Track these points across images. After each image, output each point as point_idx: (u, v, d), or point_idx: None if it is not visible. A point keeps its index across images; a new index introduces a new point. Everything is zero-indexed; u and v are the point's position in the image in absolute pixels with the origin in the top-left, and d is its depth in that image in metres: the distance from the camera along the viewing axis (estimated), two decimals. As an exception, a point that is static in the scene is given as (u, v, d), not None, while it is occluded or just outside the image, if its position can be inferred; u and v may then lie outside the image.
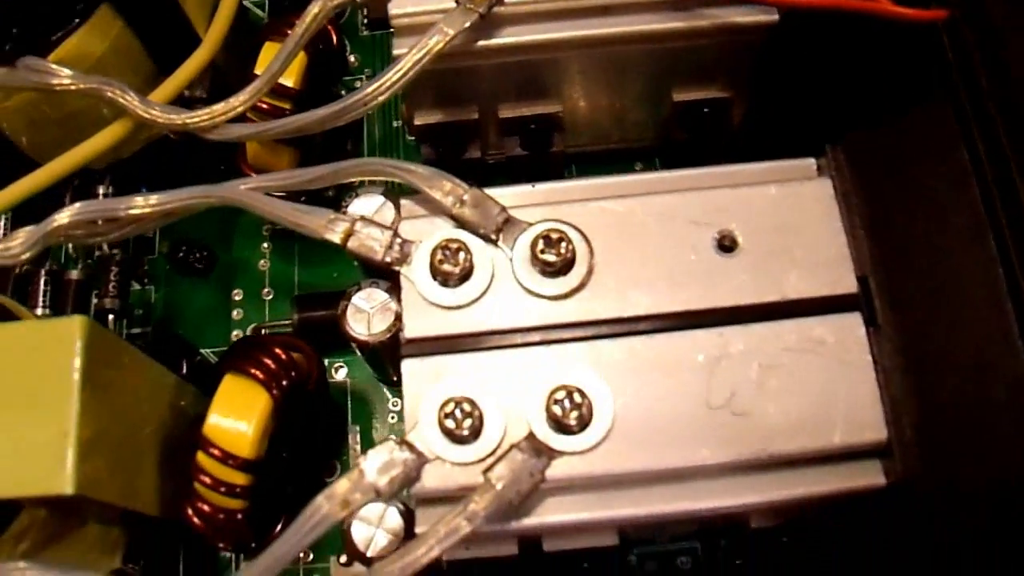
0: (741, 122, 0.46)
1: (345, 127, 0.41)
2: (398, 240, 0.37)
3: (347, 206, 0.40)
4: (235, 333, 0.50)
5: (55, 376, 0.35)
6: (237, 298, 0.51)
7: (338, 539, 0.42)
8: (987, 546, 0.36)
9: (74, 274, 0.47)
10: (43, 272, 0.47)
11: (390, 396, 0.49)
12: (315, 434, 0.46)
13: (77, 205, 0.39)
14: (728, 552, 0.46)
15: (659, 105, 0.45)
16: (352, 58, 0.55)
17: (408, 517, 0.41)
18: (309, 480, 0.45)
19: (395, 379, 0.48)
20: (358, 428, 0.48)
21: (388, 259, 0.37)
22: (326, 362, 0.48)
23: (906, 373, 0.35)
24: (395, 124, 0.53)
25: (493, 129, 0.45)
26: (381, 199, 0.40)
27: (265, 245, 0.52)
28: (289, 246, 0.51)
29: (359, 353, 0.44)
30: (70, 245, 0.51)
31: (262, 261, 0.51)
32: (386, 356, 0.42)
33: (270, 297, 0.50)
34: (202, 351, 0.48)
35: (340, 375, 0.49)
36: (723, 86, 0.44)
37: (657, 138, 0.47)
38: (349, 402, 0.48)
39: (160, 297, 0.51)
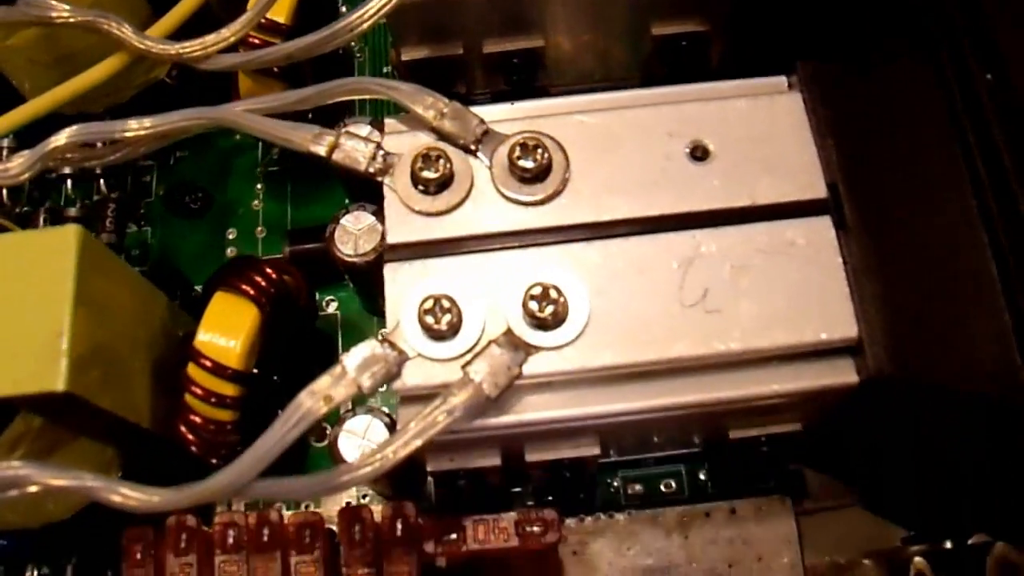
0: (719, 62, 0.48)
1: (334, 70, 0.43)
2: (381, 152, 0.39)
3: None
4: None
5: (51, 280, 0.37)
6: (231, 237, 0.52)
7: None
8: (958, 437, 0.37)
9: (72, 211, 0.49)
10: (42, 211, 0.49)
11: (379, 327, 0.49)
12: (305, 359, 0.47)
13: (74, 127, 0.41)
14: (712, 473, 0.47)
15: (639, 40, 0.46)
16: (344, 8, 0.57)
17: (393, 429, 0.42)
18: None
19: (383, 308, 0.49)
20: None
21: (371, 169, 0.38)
22: (317, 296, 0.49)
23: (875, 272, 0.36)
24: (385, 69, 0.55)
25: (478, 65, 0.47)
26: (368, 127, 0.41)
27: (259, 186, 0.53)
28: (282, 187, 0.53)
29: (348, 279, 0.45)
30: (69, 184, 0.52)
31: (255, 202, 0.53)
32: (374, 278, 0.44)
33: (263, 235, 0.52)
34: (196, 288, 0.50)
35: (331, 308, 0.50)
36: (701, 20, 0.45)
37: (638, 76, 0.49)
38: (340, 334, 0.50)
39: (156, 237, 0.53)
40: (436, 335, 0.36)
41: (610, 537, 0.45)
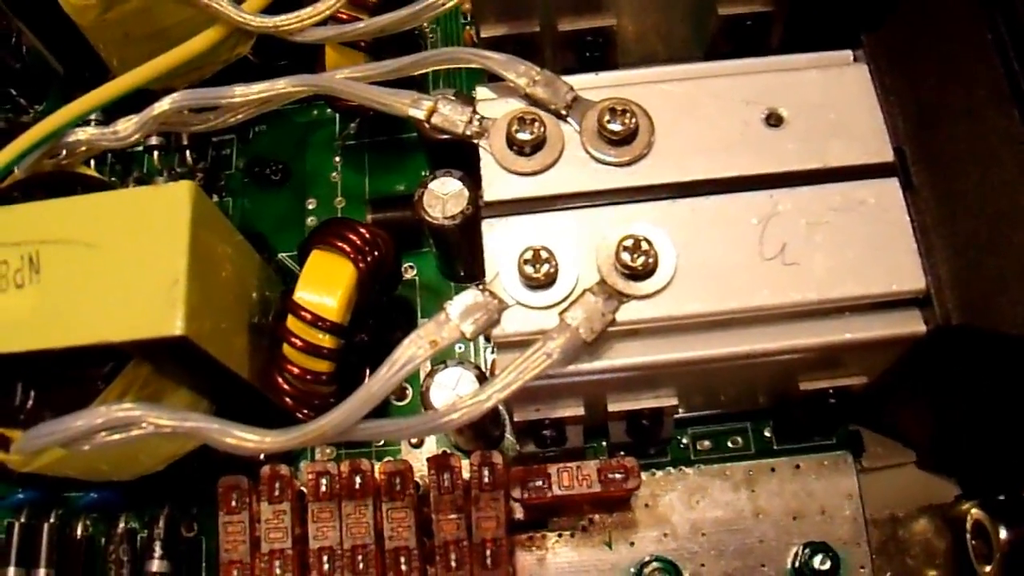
0: (779, 41, 0.50)
1: (410, 51, 0.45)
2: (477, 116, 0.41)
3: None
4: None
5: (167, 232, 0.39)
6: (311, 207, 0.55)
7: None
8: (1019, 385, 0.40)
9: (160, 181, 0.51)
10: (131, 180, 0.51)
11: (456, 292, 0.52)
12: (387, 321, 0.49)
13: (178, 93, 0.43)
14: (777, 430, 0.49)
15: (705, 19, 0.48)
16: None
17: (483, 381, 0.44)
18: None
19: (462, 272, 0.52)
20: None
21: (468, 132, 0.41)
22: (397, 262, 0.51)
23: (941, 229, 0.39)
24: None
25: (552, 43, 0.49)
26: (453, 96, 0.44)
27: (337, 159, 0.56)
28: (360, 159, 0.55)
29: (433, 242, 0.47)
30: (156, 156, 0.54)
31: (334, 173, 0.55)
32: (459, 239, 0.46)
33: (342, 205, 0.54)
34: (280, 254, 0.52)
35: (409, 274, 0.53)
36: (765, 0, 0.48)
37: (701, 55, 0.51)
38: (418, 298, 0.52)
39: (238, 207, 0.55)
40: (534, 284, 0.38)
41: (680, 490, 0.48)
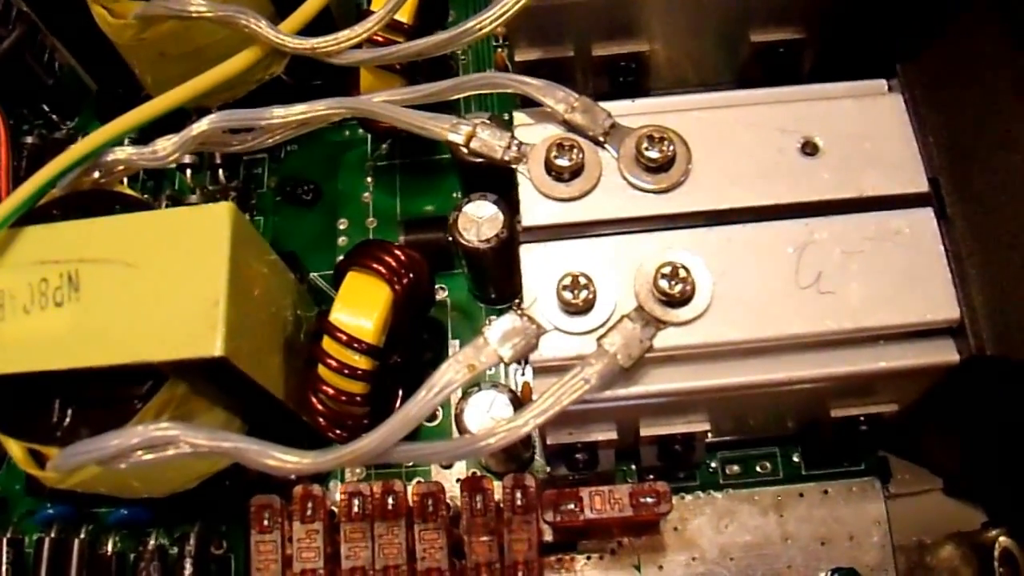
0: (812, 67, 0.51)
1: (443, 74, 0.46)
2: (515, 141, 0.41)
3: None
4: (340, 259, 0.53)
5: (207, 253, 0.40)
6: (342, 227, 0.55)
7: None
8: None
9: (193, 199, 0.51)
10: (164, 198, 0.52)
11: (487, 315, 0.53)
12: (419, 342, 0.49)
13: (217, 114, 0.44)
14: (805, 456, 0.49)
15: (738, 46, 0.49)
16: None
17: (516, 404, 0.45)
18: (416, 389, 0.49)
19: (493, 295, 0.52)
20: (457, 343, 0.52)
21: (506, 157, 0.41)
22: (427, 284, 0.52)
23: (975, 259, 0.39)
24: (488, 71, 0.58)
25: (585, 68, 0.50)
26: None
27: (368, 179, 0.56)
28: (391, 180, 0.56)
29: (466, 264, 0.48)
30: (188, 174, 0.55)
31: (365, 194, 0.56)
32: (492, 262, 0.46)
33: (374, 226, 0.55)
34: (311, 274, 0.52)
35: (441, 296, 0.53)
36: (799, 28, 0.48)
37: (733, 81, 0.52)
38: (449, 320, 0.52)
39: (269, 226, 0.55)
40: (572, 310, 0.38)
41: (709, 514, 0.48)
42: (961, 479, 0.48)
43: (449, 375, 0.37)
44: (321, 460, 0.37)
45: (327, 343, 0.43)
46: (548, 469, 0.46)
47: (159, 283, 0.40)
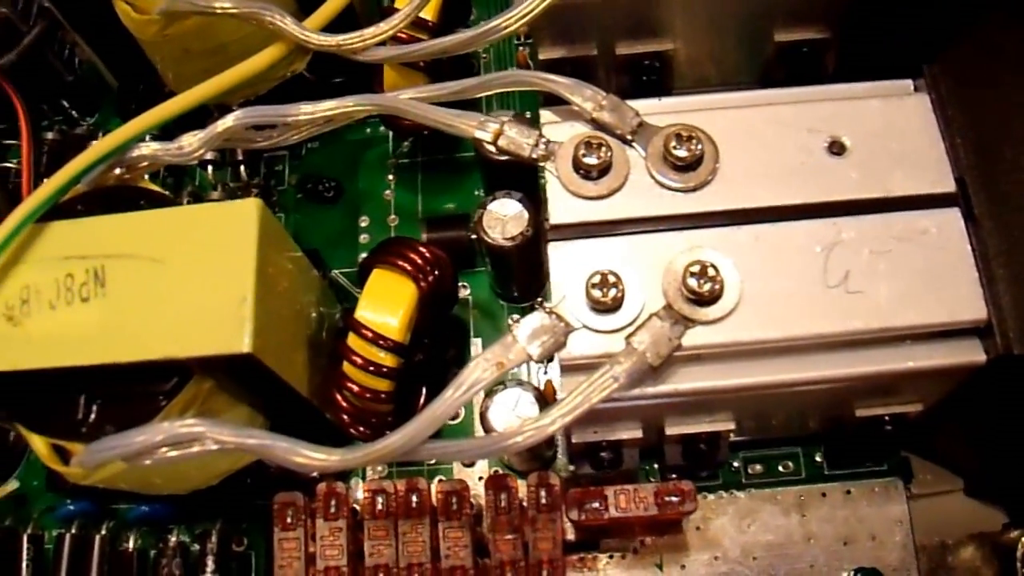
0: (835, 68, 0.51)
1: (465, 72, 0.46)
2: (543, 139, 0.41)
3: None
4: (362, 256, 0.53)
5: (234, 249, 0.39)
6: (364, 224, 0.55)
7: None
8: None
9: (215, 195, 0.51)
10: (185, 194, 0.52)
11: (509, 313, 0.53)
12: (441, 339, 0.49)
13: (243, 110, 0.43)
14: (828, 455, 0.49)
15: (762, 45, 0.49)
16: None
17: (541, 402, 0.45)
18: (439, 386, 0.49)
19: (516, 292, 0.52)
20: (479, 341, 0.52)
21: (534, 155, 0.41)
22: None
23: (1002, 259, 0.39)
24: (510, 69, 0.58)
25: (608, 66, 0.50)
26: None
27: (390, 176, 0.56)
28: (412, 178, 0.56)
29: (490, 262, 0.48)
30: (209, 170, 0.55)
31: (387, 191, 0.56)
32: (516, 260, 0.46)
33: (395, 223, 0.55)
34: (333, 271, 0.52)
35: (463, 293, 0.53)
36: (823, 27, 0.48)
37: (755, 81, 0.52)
38: (471, 318, 0.52)
39: (290, 223, 0.55)
40: (601, 308, 0.38)
41: (732, 514, 0.48)
42: (982, 480, 0.48)
43: (477, 373, 0.37)
44: (349, 457, 0.37)
45: (352, 340, 0.43)
46: (571, 467, 0.46)
47: (185, 279, 0.39)
